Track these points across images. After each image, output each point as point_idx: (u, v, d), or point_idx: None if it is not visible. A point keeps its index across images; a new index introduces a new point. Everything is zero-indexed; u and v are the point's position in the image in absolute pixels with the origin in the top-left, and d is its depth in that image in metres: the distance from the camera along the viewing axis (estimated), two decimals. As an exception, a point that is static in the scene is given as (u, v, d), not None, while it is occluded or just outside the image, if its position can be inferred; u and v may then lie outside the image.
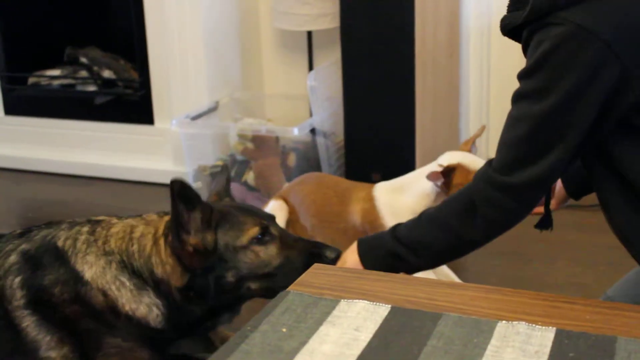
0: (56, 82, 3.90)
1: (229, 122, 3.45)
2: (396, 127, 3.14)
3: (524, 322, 1.06)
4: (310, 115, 3.61)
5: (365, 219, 2.47)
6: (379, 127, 3.17)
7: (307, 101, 3.70)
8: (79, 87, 3.86)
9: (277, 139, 3.23)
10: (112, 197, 3.52)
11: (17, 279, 1.90)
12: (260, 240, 1.80)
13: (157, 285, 1.83)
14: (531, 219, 3.08)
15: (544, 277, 2.71)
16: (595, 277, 2.68)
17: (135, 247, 1.87)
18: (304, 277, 1.21)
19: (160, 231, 1.86)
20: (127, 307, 1.85)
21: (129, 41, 3.70)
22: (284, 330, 1.05)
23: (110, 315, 1.86)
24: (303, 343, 1.02)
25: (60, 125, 3.82)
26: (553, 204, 2.14)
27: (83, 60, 3.81)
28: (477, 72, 3.64)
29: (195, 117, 3.36)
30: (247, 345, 1.02)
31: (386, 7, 3.05)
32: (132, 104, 3.71)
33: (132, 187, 3.61)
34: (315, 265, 1.31)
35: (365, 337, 1.04)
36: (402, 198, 2.45)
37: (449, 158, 2.38)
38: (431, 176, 2.32)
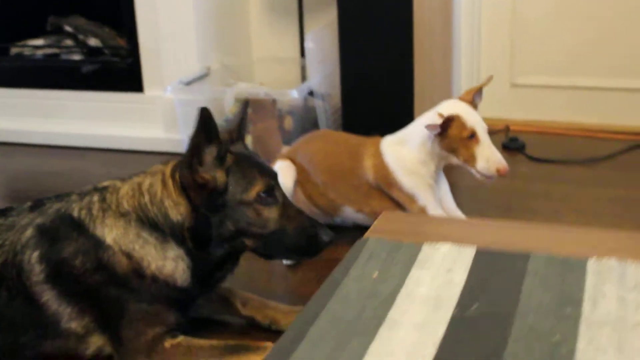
0: (40, 52, 3.81)
1: (221, 87, 3.40)
2: (394, 88, 3.12)
3: (614, 258, 1.06)
4: (303, 79, 3.60)
5: (377, 174, 2.47)
6: (376, 88, 3.15)
7: (297, 65, 3.67)
8: (64, 56, 3.77)
9: (274, 102, 3.20)
10: (105, 166, 3.46)
11: (35, 254, 1.88)
12: (264, 200, 1.82)
13: (175, 233, 1.86)
14: (532, 175, 3.13)
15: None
16: (604, 227, 2.70)
17: (147, 197, 1.89)
18: (377, 224, 1.20)
19: (168, 173, 1.89)
20: (153, 266, 1.84)
21: (113, 9, 3.63)
22: (375, 275, 1.04)
23: (134, 278, 1.85)
24: (398, 286, 1.01)
25: (46, 95, 3.74)
26: None
27: (68, 28, 3.73)
28: (469, 32, 3.65)
29: (188, 84, 3.32)
30: (342, 290, 1.01)
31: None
32: (120, 72, 3.64)
33: (124, 156, 3.56)
34: (386, 212, 1.30)
35: (459, 278, 1.03)
36: (404, 150, 2.45)
37: (448, 108, 2.37)
38: (430, 127, 2.32)
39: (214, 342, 1.90)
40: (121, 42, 3.71)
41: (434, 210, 2.40)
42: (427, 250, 1.10)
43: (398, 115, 3.12)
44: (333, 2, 3.18)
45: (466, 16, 3.62)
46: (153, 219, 1.87)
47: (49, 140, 3.71)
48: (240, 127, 2.00)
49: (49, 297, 1.89)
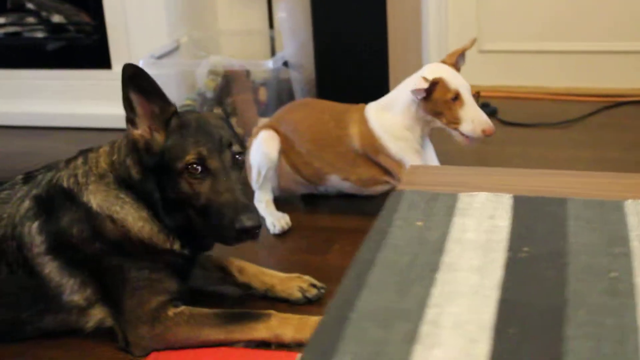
0: (1, 31, 3.71)
1: (194, 60, 3.36)
2: (368, 56, 3.12)
3: (650, 199, 1.08)
4: (272, 50, 3.57)
5: (364, 141, 2.46)
6: (350, 56, 3.14)
7: (266, 37, 3.64)
8: (27, 35, 3.68)
9: (248, 73, 3.18)
10: (75, 145, 3.36)
11: (35, 225, 1.85)
12: (194, 171, 1.78)
13: (140, 192, 1.85)
14: (507, 139, 3.16)
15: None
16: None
17: (115, 156, 1.88)
18: (407, 177, 1.19)
19: (131, 133, 1.86)
20: (135, 228, 1.84)
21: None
22: (419, 223, 1.04)
23: (126, 243, 1.84)
24: (445, 233, 1.01)
25: (11, 75, 3.65)
26: None
27: (30, 5, 3.64)
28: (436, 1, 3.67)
29: (159, 58, 3.27)
30: (390, 239, 1.00)
31: None
32: (86, 49, 3.58)
33: (95, 134, 3.50)
34: (413, 166, 1.29)
35: (503, 224, 1.03)
36: (389, 115, 2.44)
37: (431, 71, 2.36)
38: (415, 92, 2.32)
39: (217, 310, 1.89)
40: (86, 18, 3.63)
41: None
42: (464, 199, 1.10)
43: (373, 83, 3.13)
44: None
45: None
46: (122, 177, 1.86)
47: (16, 121, 3.64)
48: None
49: (51, 268, 1.86)
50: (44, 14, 3.62)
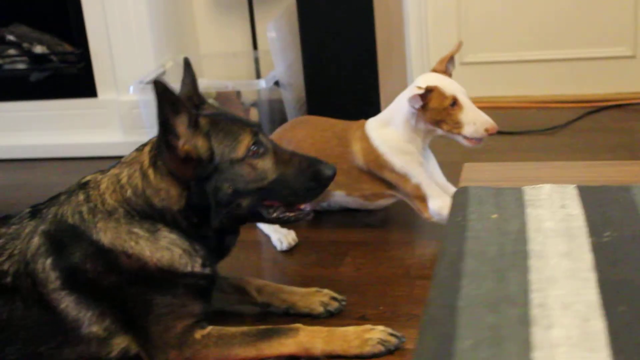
0: (-21, 65, 3.68)
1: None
2: (358, 74, 3.14)
3: None
4: (257, 71, 3.58)
5: (367, 157, 2.47)
6: (340, 74, 3.16)
7: (250, 58, 3.65)
8: (7, 67, 3.64)
9: (238, 94, 3.18)
10: (65, 175, 3.35)
11: (48, 261, 1.82)
12: (255, 152, 1.79)
13: (164, 217, 1.82)
14: (498, 148, 3.18)
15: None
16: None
17: (129, 191, 1.84)
18: (465, 174, 1.20)
19: (146, 163, 1.83)
20: (154, 259, 1.80)
21: (54, 15, 3.54)
22: (494, 216, 1.05)
23: (146, 274, 1.80)
24: (523, 224, 1.02)
25: (-5, 108, 3.61)
26: None
27: (10, 37, 3.60)
28: (417, 15, 3.71)
29: (148, 83, 3.25)
30: (472, 232, 1.01)
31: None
32: (70, 78, 3.54)
33: (84, 163, 3.47)
34: (468, 164, 1.30)
35: (576, 212, 1.05)
36: (390, 130, 2.45)
37: (425, 80, 2.37)
38: (411, 100, 2.33)
39: (245, 328, 1.87)
40: (68, 47, 3.60)
41: (428, 186, 2.41)
42: (530, 191, 1.12)
43: (363, 99, 3.15)
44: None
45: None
46: (141, 210, 1.82)
47: (1, 155, 3.58)
48: (195, 88, 1.92)
49: (67, 302, 1.82)
50: (25, 45, 3.59)
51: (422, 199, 2.40)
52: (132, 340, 1.87)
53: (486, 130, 2.31)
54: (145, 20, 3.33)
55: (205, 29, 3.75)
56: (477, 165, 1.27)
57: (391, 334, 1.88)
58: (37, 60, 3.61)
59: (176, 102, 1.72)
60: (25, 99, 3.57)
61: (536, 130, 3.36)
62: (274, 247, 2.50)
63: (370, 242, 2.52)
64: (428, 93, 2.31)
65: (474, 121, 2.31)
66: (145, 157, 1.84)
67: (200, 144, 1.76)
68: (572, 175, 1.18)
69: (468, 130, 2.32)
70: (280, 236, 2.51)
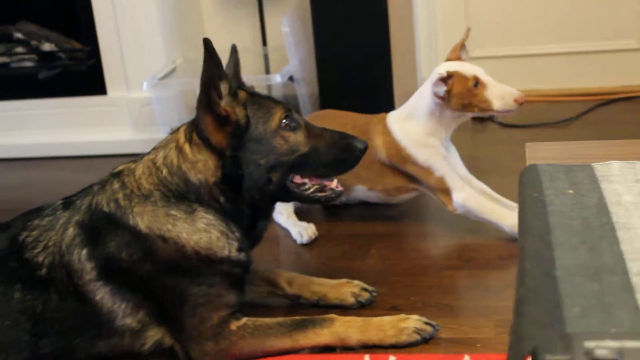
0: (-12, 63, 3.64)
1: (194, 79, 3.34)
2: (372, 69, 3.14)
3: None
4: (266, 67, 3.57)
5: (390, 151, 2.46)
6: (353, 69, 3.16)
7: (259, 54, 3.64)
8: (15, 65, 3.61)
9: (252, 89, 3.15)
10: (77, 173, 3.34)
11: (84, 252, 1.80)
12: (287, 125, 1.82)
13: (200, 197, 1.82)
14: (510, 139, 3.19)
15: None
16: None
17: (165, 171, 1.84)
18: (530, 153, 1.20)
19: (182, 139, 1.85)
20: (191, 242, 1.79)
21: (61, 12, 3.52)
22: (570, 191, 1.04)
23: (182, 260, 1.79)
24: (601, 198, 1.02)
25: (3, 107, 3.58)
26: None
27: (18, 35, 3.57)
28: (425, 9, 3.71)
29: (160, 80, 3.24)
30: (552, 207, 1.00)
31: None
32: (79, 75, 3.52)
33: (94, 161, 3.45)
34: (530, 144, 1.30)
35: (652, 186, 1.05)
36: (412, 124, 2.45)
37: (443, 68, 2.37)
38: (435, 85, 2.33)
39: (280, 319, 1.87)
40: (76, 45, 3.58)
41: (451, 179, 2.41)
42: (600, 168, 1.12)
43: (377, 94, 3.14)
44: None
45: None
46: (176, 190, 1.82)
47: (11, 154, 3.56)
48: (237, 72, 1.95)
49: (102, 294, 1.81)
50: (33, 42, 3.56)
51: (446, 192, 2.40)
52: (166, 332, 1.86)
53: (515, 100, 2.31)
54: (156, 17, 3.32)
55: (213, 25, 3.74)
56: (539, 144, 1.26)
57: (426, 323, 1.88)
58: (45, 58, 3.58)
59: (221, 66, 1.76)
60: (34, 97, 3.55)
61: (548, 122, 3.36)
62: (294, 241, 2.49)
63: (393, 235, 2.51)
64: (449, 79, 2.31)
65: (502, 95, 2.31)
66: (181, 135, 1.86)
67: (238, 111, 1.79)
68: (636, 152, 1.18)
69: (498, 105, 2.32)
70: (300, 229, 2.50)
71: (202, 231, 1.80)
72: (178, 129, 1.91)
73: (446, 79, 2.32)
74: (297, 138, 1.84)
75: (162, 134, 3.23)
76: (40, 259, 1.81)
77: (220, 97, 1.77)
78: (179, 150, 1.84)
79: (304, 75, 3.26)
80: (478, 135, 3.40)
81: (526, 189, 1.06)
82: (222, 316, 1.82)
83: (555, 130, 3.31)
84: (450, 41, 3.66)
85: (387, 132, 2.47)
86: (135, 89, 3.40)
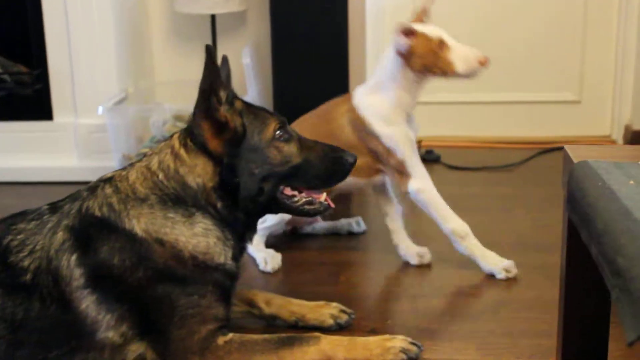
0: None
1: (151, 106, 3.32)
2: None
3: None
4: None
5: (355, 128, 2.39)
6: (311, 102, 3.16)
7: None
8: (-46, 87, 3.48)
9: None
10: (18, 199, 3.22)
11: (73, 257, 1.75)
12: (281, 136, 1.83)
13: (197, 201, 1.80)
14: (457, 181, 3.23)
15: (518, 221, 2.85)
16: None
17: (161, 175, 1.82)
18: (573, 152, 1.22)
19: (177, 145, 1.84)
20: (189, 246, 1.77)
21: (10, 36, 3.44)
22: (632, 182, 1.07)
23: (177, 266, 1.77)
24: (668, 187, 1.05)
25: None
26: None
27: (-41, 57, 3.45)
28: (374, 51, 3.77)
29: (116, 104, 3.19)
30: (621, 194, 1.02)
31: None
32: (25, 100, 3.41)
33: (39, 188, 3.34)
34: (569, 146, 1.32)
35: None
36: (378, 97, 2.38)
37: (401, 24, 2.30)
38: (397, 40, 2.27)
39: (266, 335, 1.83)
40: (23, 68, 3.48)
41: (412, 165, 2.35)
42: (647, 164, 1.15)
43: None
44: (242, 23, 3.19)
45: (372, 34, 3.72)
46: (173, 194, 1.80)
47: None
48: (229, 82, 1.92)
49: (88, 302, 1.74)
50: (-23, 65, 3.45)
51: (405, 175, 2.36)
52: (148, 347, 1.80)
53: (480, 62, 2.27)
54: (111, 44, 3.28)
55: (165, 56, 3.71)
56: (579, 147, 1.29)
57: (412, 343, 1.88)
58: (-13, 81, 3.47)
59: (220, 74, 1.76)
60: (-26, 119, 3.43)
61: (494, 166, 3.45)
62: (256, 266, 2.46)
63: (360, 263, 2.52)
64: (412, 35, 2.27)
65: (465, 58, 2.28)
66: (175, 141, 1.84)
67: (235, 119, 1.79)
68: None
69: (461, 67, 2.27)
70: (266, 256, 2.47)
71: (200, 235, 1.77)
72: (171, 136, 1.88)
73: (408, 32, 2.27)
74: (291, 149, 1.84)
75: (112, 162, 3.18)
76: (26, 263, 1.73)
77: (220, 103, 1.77)
78: (175, 155, 1.81)
79: (264, 103, 3.26)
80: (426, 177, 3.45)
81: (586, 180, 1.08)
82: (210, 330, 1.78)
83: (499, 174, 3.40)
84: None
85: (352, 109, 2.40)
86: (84, 115, 3.33)
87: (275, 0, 3.13)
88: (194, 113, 1.79)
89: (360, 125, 2.39)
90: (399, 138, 2.35)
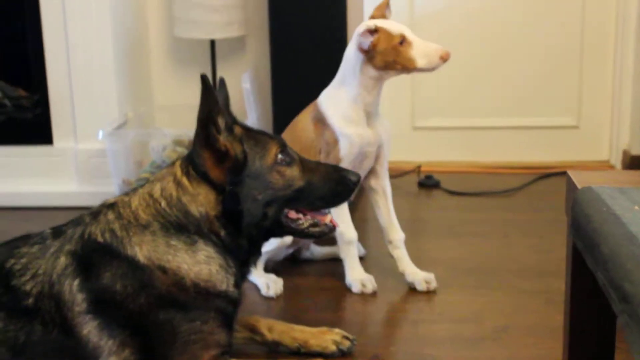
0: None
1: (150, 131, 3.32)
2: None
3: None
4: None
5: (317, 125, 2.41)
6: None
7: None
8: (-46, 112, 3.48)
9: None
10: (20, 224, 3.20)
11: (75, 282, 1.75)
12: (283, 160, 1.83)
13: (200, 229, 1.80)
14: (457, 206, 3.23)
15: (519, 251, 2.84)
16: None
17: (163, 203, 1.82)
18: (577, 177, 1.23)
19: (179, 173, 1.84)
20: (191, 274, 1.76)
21: (9, 60, 3.45)
22: (637, 208, 1.07)
23: (179, 293, 1.76)
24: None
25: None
26: None
27: (-43, 81, 3.45)
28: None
29: (116, 129, 3.20)
30: (626, 219, 1.03)
31: (317, 5, 3.10)
32: (25, 124, 3.41)
33: (38, 213, 3.33)
34: (572, 171, 1.33)
35: None
36: (342, 91, 2.39)
37: (372, 23, 2.31)
38: (362, 37, 2.28)
39: (267, 361, 1.82)
40: (22, 93, 3.49)
41: (345, 166, 2.28)
42: (650, 190, 1.16)
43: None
44: (242, 48, 3.20)
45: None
46: (175, 221, 1.79)
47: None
48: (227, 106, 1.92)
49: (90, 328, 1.73)
50: (-23, 89, 3.45)
51: None
52: (149, 373, 1.78)
53: (441, 58, 2.29)
54: (112, 70, 3.29)
55: (164, 82, 3.72)
56: (582, 172, 1.30)
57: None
58: (-13, 105, 3.48)
59: (218, 102, 1.75)
60: (-28, 144, 3.43)
61: (493, 191, 3.45)
62: (258, 291, 2.46)
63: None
64: (375, 32, 2.28)
65: (426, 53, 2.29)
66: (177, 169, 1.83)
67: (236, 147, 1.78)
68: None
69: (422, 63, 2.29)
70: (268, 281, 2.47)
71: (202, 263, 1.77)
72: (173, 163, 1.88)
73: (373, 31, 2.28)
74: (293, 172, 1.84)
75: (111, 187, 3.18)
76: (28, 287, 1.73)
77: (219, 132, 1.76)
78: (178, 183, 1.81)
79: (264, 128, 3.27)
80: (425, 201, 3.46)
81: (590, 205, 1.08)
82: (212, 355, 1.78)
83: (500, 199, 3.39)
84: (396, 112, 3.77)
85: (315, 107, 2.43)
86: (84, 140, 3.34)
87: (274, 25, 3.14)
88: (194, 143, 1.78)
89: (320, 120, 2.40)
90: (350, 136, 2.36)
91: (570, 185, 1.26)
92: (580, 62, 3.73)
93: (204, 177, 1.80)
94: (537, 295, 2.36)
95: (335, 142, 2.37)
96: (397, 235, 2.50)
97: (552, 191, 3.46)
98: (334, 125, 2.37)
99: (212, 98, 1.74)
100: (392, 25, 2.32)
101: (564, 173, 3.50)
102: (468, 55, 3.69)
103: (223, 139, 1.77)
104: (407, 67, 2.30)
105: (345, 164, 2.32)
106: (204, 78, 1.73)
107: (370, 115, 2.40)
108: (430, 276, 2.46)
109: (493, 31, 3.76)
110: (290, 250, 2.67)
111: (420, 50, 2.29)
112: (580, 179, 1.24)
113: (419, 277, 2.45)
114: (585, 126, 3.80)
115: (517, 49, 3.76)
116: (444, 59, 2.28)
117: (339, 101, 2.39)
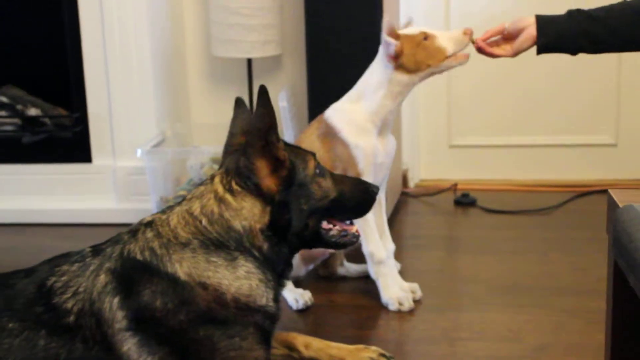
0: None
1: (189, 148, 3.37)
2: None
3: None
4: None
5: (324, 140, 2.42)
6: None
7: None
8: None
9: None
10: (57, 241, 3.25)
11: (116, 300, 1.76)
12: (320, 172, 1.86)
13: (241, 244, 1.79)
14: (494, 224, 3.22)
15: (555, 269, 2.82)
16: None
17: (204, 220, 1.81)
18: (618, 196, 1.22)
19: (221, 190, 1.83)
20: (232, 289, 1.76)
21: (50, 79, 3.52)
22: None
23: (219, 309, 1.76)
24: None
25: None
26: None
27: (2, 99, 3.52)
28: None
29: (155, 147, 3.24)
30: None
31: (353, 23, 3.11)
32: (64, 142, 3.48)
33: (77, 229, 3.37)
34: (613, 190, 1.32)
35: None
36: (358, 105, 2.41)
37: (385, 37, 2.33)
38: (385, 45, 2.31)
39: (306, 380, 1.82)
40: (62, 111, 3.55)
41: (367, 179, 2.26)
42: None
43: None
44: (278, 67, 3.22)
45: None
46: (216, 238, 1.79)
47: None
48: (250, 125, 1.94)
49: (130, 345, 1.74)
50: (19, 107, 3.52)
51: None
52: (187, 391, 1.79)
53: (465, 33, 2.31)
54: (150, 88, 3.33)
55: (201, 99, 3.77)
56: (623, 191, 1.29)
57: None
58: (30, 123, 3.54)
59: (275, 114, 1.75)
60: (17, 161, 3.47)
61: (530, 210, 3.43)
62: (289, 308, 2.46)
63: (397, 307, 2.50)
64: (396, 38, 2.30)
65: (450, 37, 2.32)
66: (218, 186, 1.82)
67: (287, 155, 1.80)
68: None
69: (451, 47, 2.32)
70: (296, 295, 2.49)
71: (243, 278, 1.77)
72: (212, 179, 1.88)
73: (393, 34, 2.31)
74: (327, 184, 1.87)
75: (149, 204, 3.21)
76: (69, 305, 1.75)
77: (279, 141, 1.78)
78: (220, 199, 1.80)
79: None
80: (461, 219, 3.45)
81: (633, 224, 1.08)
82: (250, 373, 1.78)
83: (538, 218, 3.37)
84: (432, 130, 3.77)
85: (321, 123, 2.44)
86: (123, 157, 3.38)
87: (310, 44, 3.16)
88: (245, 154, 1.78)
89: (329, 135, 2.41)
90: (365, 148, 2.38)
91: (612, 204, 1.25)
92: (618, 79, 3.70)
93: (250, 189, 1.80)
94: (577, 313, 2.34)
95: (349, 156, 2.38)
96: (389, 245, 2.54)
97: (590, 210, 3.43)
98: (346, 138, 2.39)
99: (271, 108, 1.76)
100: (409, 29, 2.38)
101: (602, 191, 3.54)
102: (504, 74, 3.68)
103: (280, 148, 1.79)
104: (439, 58, 2.31)
105: (367, 177, 2.33)
106: (262, 88, 1.73)
107: (386, 125, 2.43)
108: (415, 286, 2.51)
109: (530, 50, 3.74)
110: (311, 266, 2.66)
111: (446, 38, 2.33)
112: (621, 198, 1.23)
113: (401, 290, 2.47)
114: (624, 144, 3.77)
115: (555, 66, 3.73)
116: (467, 33, 2.32)
117: (354, 115, 2.40)
